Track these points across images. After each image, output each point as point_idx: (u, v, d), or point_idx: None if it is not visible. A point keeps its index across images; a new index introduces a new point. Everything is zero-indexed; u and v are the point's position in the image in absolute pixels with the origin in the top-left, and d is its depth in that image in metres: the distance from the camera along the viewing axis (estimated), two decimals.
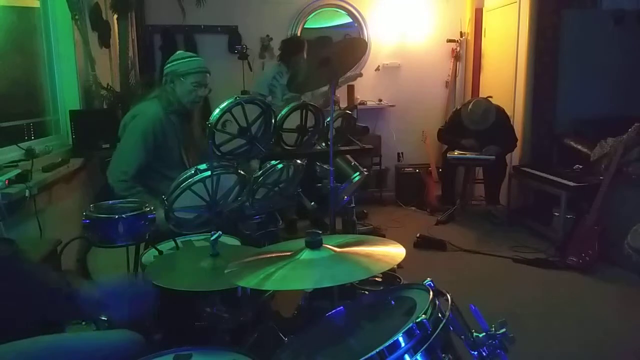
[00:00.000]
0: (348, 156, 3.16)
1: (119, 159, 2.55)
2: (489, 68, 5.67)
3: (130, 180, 2.48)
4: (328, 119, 2.60)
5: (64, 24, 3.41)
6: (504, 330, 1.21)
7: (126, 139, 2.56)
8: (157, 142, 2.55)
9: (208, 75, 2.65)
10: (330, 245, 1.41)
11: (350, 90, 5.45)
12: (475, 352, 1.20)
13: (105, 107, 3.83)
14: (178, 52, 2.75)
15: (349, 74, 5.00)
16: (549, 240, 4.28)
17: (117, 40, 4.29)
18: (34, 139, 3.12)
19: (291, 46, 4.62)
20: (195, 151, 2.75)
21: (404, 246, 1.44)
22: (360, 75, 5.20)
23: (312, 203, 2.78)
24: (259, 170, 2.43)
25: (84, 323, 1.85)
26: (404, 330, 1.07)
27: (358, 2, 5.65)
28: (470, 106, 4.82)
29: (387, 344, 1.05)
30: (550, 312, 3.15)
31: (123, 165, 2.51)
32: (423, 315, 1.09)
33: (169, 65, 2.62)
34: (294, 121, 2.62)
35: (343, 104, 5.41)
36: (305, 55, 4.52)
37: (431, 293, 1.20)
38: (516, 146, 4.86)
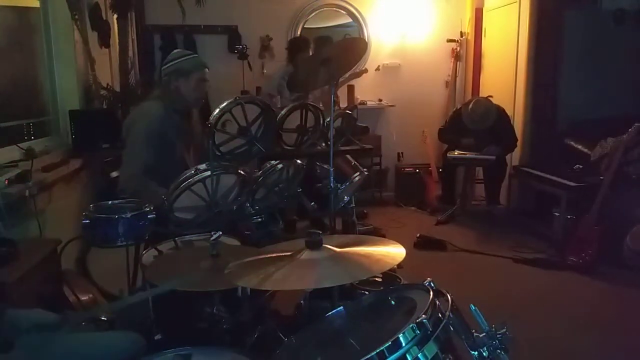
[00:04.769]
0: (348, 156, 3.16)
1: (127, 160, 2.52)
2: (489, 68, 5.66)
3: (140, 175, 2.45)
4: (328, 119, 2.60)
5: (64, 24, 3.40)
6: (504, 330, 1.22)
7: (132, 141, 2.53)
8: (161, 142, 2.54)
9: (207, 70, 2.65)
10: (330, 245, 1.41)
11: (350, 90, 5.46)
12: (475, 352, 1.20)
13: (105, 107, 3.82)
14: (174, 51, 2.73)
15: (353, 70, 5.00)
16: (549, 240, 4.27)
17: (117, 40, 4.29)
18: (34, 139, 3.12)
19: (295, 45, 4.66)
20: (196, 150, 2.75)
21: (404, 246, 1.44)
22: (365, 71, 5.25)
23: (312, 203, 2.78)
24: (259, 170, 2.43)
25: (83, 323, 1.85)
26: (404, 330, 1.07)
27: (358, 2, 5.65)
28: (470, 105, 4.82)
29: (387, 344, 1.05)
30: (550, 312, 3.15)
31: (131, 165, 2.48)
32: (423, 315, 1.09)
33: (169, 65, 2.60)
34: (294, 121, 2.62)
35: (343, 104, 5.41)
36: (310, 54, 4.54)
37: (431, 293, 1.20)
38: (516, 146, 4.86)
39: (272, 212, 2.67)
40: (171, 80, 2.58)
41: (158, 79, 2.67)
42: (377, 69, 5.72)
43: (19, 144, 2.72)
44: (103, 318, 2.10)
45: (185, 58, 2.61)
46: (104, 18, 3.99)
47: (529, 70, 4.85)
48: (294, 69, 4.52)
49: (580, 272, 3.70)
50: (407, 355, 1.05)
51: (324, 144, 2.85)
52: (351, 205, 2.95)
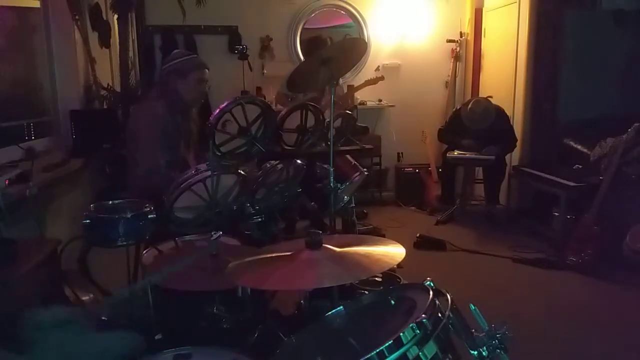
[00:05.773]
0: (348, 156, 3.16)
1: (145, 158, 2.50)
2: (489, 68, 5.66)
3: (162, 170, 2.45)
4: (328, 119, 2.60)
5: (64, 24, 3.41)
6: (503, 329, 1.22)
7: (145, 139, 2.52)
8: (163, 141, 2.54)
9: (207, 70, 2.65)
10: (330, 245, 1.41)
11: (350, 90, 5.46)
12: (475, 352, 1.20)
13: (105, 107, 3.83)
14: (174, 51, 2.75)
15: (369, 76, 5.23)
16: (548, 240, 4.27)
17: (117, 40, 4.30)
18: (34, 139, 3.12)
19: (313, 44, 4.68)
20: (195, 150, 2.76)
21: (404, 246, 1.44)
22: (382, 78, 5.30)
23: (312, 203, 2.78)
24: (259, 170, 2.43)
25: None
26: (403, 330, 1.07)
27: (358, 2, 5.65)
28: (470, 105, 4.82)
29: (387, 344, 1.05)
30: (550, 312, 3.15)
31: (151, 162, 2.47)
32: (423, 315, 1.09)
33: (168, 65, 2.62)
34: (294, 121, 2.62)
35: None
36: None
37: (431, 293, 1.20)
38: (516, 146, 4.86)
39: (272, 212, 2.67)
40: (170, 80, 2.59)
41: (158, 79, 2.68)
42: (377, 69, 5.72)
43: (19, 144, 2.73)
44: (103, 318, 2.10)
45: (184, 58, 2.63)
46: (105, 18, 4.00)
47: (528, 71, 4.85)
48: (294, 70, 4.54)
49: (579, 272, 3.70)
50: (407, 355, 1.05)
51: (324, 144, 2.85)
52: (351, 205, 2.95)
